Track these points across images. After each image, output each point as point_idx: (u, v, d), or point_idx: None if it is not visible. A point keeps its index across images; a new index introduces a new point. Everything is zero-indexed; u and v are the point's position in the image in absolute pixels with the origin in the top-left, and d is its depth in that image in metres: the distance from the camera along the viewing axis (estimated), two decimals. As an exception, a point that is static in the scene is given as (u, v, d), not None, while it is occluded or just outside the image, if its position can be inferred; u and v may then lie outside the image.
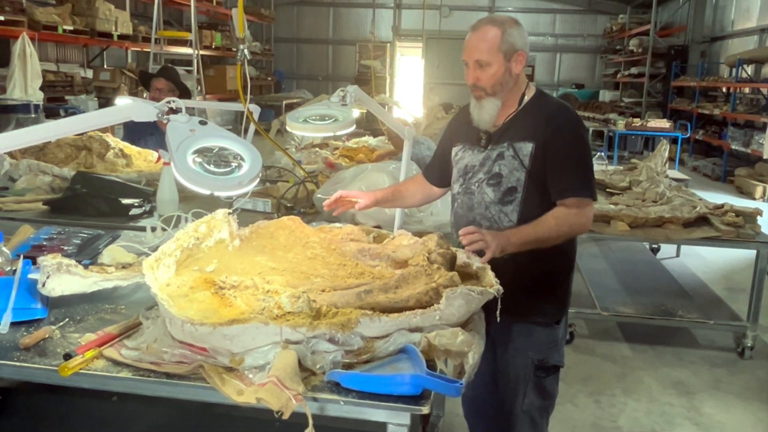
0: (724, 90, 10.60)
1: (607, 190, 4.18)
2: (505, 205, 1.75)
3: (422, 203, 2.18)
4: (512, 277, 1.61)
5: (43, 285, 1.46)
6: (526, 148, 1.72)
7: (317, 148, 4.09)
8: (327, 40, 16.26)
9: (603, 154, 8.77)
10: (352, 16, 16.01)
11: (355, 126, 2.04)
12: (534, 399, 1.86)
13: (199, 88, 8.11)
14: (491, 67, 1.71)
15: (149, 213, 2.50)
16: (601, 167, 4.95)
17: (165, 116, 1.40)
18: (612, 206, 3.61)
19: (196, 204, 2.26)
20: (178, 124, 1.39)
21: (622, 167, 4.96)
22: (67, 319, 1.45)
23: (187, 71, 8.53)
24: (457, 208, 1.87)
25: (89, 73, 8.55)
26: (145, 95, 4.31)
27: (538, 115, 1.75)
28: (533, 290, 1.78)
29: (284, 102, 13.13)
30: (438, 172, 2.01)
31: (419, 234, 1.66)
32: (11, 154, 2.81)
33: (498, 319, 1.35)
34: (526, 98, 1.79)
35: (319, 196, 2.46)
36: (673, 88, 12.11)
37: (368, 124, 5.94)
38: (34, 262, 1.59)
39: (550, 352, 1.84)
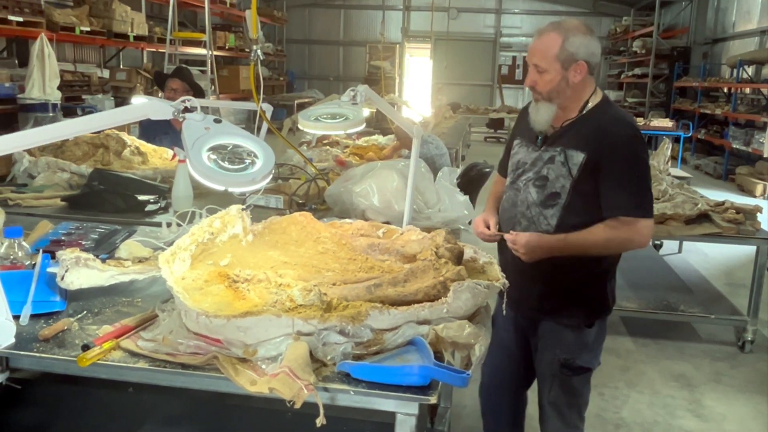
0: (725, 90, 10.69)
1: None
2: (546, 209, 1.74)
3: None
4: (541, 276, 1.64)
5: (62, 278, 1.49)
6: (578, 157, 1.70)
7: (328, 147, 4.13)
8: (338, 42, 16.33)
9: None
10: (362, 18, 16.07)
11: (365, 125, 2.06)
12: (559, 394, 1.88)
13: (212, 87, 8.17)
14: (548, 73, 1.69)
15: (165, 209, 2.53)
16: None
17: (181, 115, 1.43)
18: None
19: (210, 200, 2.30)
20: (193, 122, 1.41)
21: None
22: (85, 312, 1.48)
23: (201, 71, 8.60)
24: (504, 201, 1.89)
25: (106, 73, 8.65)
26: (160, 95, 4.37)
27: (595, 126, 1.71)
28: (562, 292, 1.79)
29: (296, 101, 13.18)
30: (507, 165, 1.99)
31: (427, 230, 1.68)
32: (30, 152, 2.86)
33: (504, 312, 1.37)
34: (590, 105, 1.75)
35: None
36: (675, 88, 12.21)
37: (378, 123, 5.97)
38: (53, 257, 1.62)
39: (578, 354, 1.83)
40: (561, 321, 1.82)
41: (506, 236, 1.73)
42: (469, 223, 2.38)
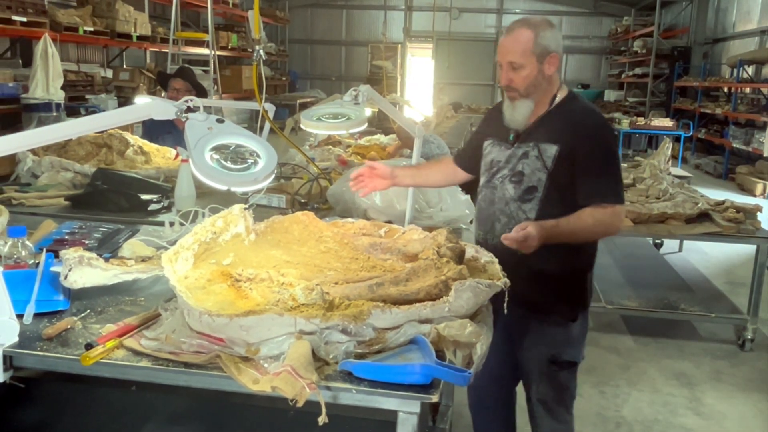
0: (725, 90, 10.76)
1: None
2: (524, 203, 1.77)
3: (443, 185, 2.23)
4: (529, 272, 1.64)
5: (66, 277, 1.50)
6: (551, 150, 1.73)
7: (330, 146, 4.13)
8: (340, 42, 16.36)
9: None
10: (364, 18, 16.10)
11: (367, 124, 2.07)
12: (547, 390, 1.89)
13: (215, 87, 8.19)
14: (524, 69, 1.72)
15: (167, 208, 2.54)
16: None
17: (184, 114, 1.44)
18: (616, 202, 3.64)
19: (212, 199, 2.31)
20: (196, 122, 1.41)
21: (626, 165, 5.01)
22: (88, 311, 1.49)
23: (204, 71, 8.62)
24: (480, 201, 1.90)
25: (109, 73, 8.67)
26: (163, 95, 4.38)
27: (566, 119, 1.75)
28: (548, 287, 1.80)
29: (298, 101, 13.23)
30: (469, 159, 2.04)
31: (429, 229, 1.69)
32: (34, 152, 2.87)
33: (506, 311, 1.38)
34: (558, 99, 1.79)
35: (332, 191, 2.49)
36: (676, 88, 12.28)
37: (380, 123, 5.97)
38: (57, 256, 1.63)
39: (564, 348, 1.85)
40: (547, 316, 1.84)
41: (511, 235, 1.60)
42: (471, 222, 2.39)
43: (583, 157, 1.71)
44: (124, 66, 9.16)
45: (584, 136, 1.72)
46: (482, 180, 1.90)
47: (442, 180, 2.14)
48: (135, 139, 3.24)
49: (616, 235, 1.80)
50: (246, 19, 11.18)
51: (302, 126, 2.08)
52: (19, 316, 1.38)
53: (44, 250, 1.70)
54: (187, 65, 5.56)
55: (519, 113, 1.77)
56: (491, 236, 1.82)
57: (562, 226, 1.67)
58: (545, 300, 1.82)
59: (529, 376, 1.92)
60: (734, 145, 9.21)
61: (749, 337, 3.51)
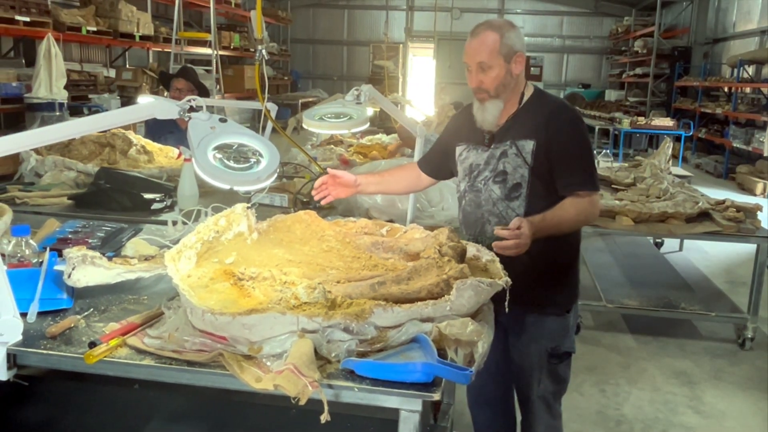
0: (725, 90, 10.78)
1: (613, 186, 4.27)
2: (511, 201, 1.80)
3: (407, 191, 2.24)
4: (524, 269, 1.64)
5: (69, 276, 1.50)
6: (528, 145, 1.77)
7: (332, 146, 4.14)
8: (342, 41, 16.37)
9: (608, 151, 8.83)
10: (366, 18, 16.11)
11: (368, 124, 2.08)
12: (548, 385, 1.91)
13: (218, 87, 8.21)
14: (493, 69, 1.76)
15: (170, 207, 2.56)
16: (606, 164, 5.02)
17: (186, 114, 1.44)
18: (617, 202, 3.67)
19: (215, 199, 2.31)
20: (199, 121, 1.42)
21: (627, 164, 5.04)
22: (91, 309, 1.49)
23: (207, 71, 8.64)
24: (465, 205, 1.92)
25: (112, 73, 8.69)
26: (165, 94, 4.40)
27: (538, 114, 1.79)
28: (544, 281, 1.82)
29: (300, 101, 13.25)
30: (435, 164, 2.06)
31: (431, 228, 1.69)
32: (37, 151, 2.88)
33: (507, 310, 1.38)
34: (526, 97, 1.83)
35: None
36: (676, 87, 12.31)
37: (381, 123, 5.97)
38: (60, 254, 1.64)
39: (562, 340, 1.88)
40: (545, 310, 1.86)
41: (503, 242, 1.54)
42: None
43: (559, 149, 1.75)
44: (127, 66, 9.18)
45: (557, 129, 1.76)
46: (463, 185, 1.92)
47: (405, 187, 2.16)
48: (138, 139, 3.24)
49: (594, 222, 1.82)
50: (248, 19, 11.17)
51: (304, 125, 2.09)
52: (23, 315, 1.39)
53: (48, 248, 1.70)
54: (189, 65, 5.57)
55: (490, 114, 1.80)
56: (482, 239, 1.82)
57: (548, 219, 1.69)
58: (543, 294, 1.84)
59: (529, 373, 1.92)
60: (734, 145, 9.23)
61: (749, 335, 3.51)
